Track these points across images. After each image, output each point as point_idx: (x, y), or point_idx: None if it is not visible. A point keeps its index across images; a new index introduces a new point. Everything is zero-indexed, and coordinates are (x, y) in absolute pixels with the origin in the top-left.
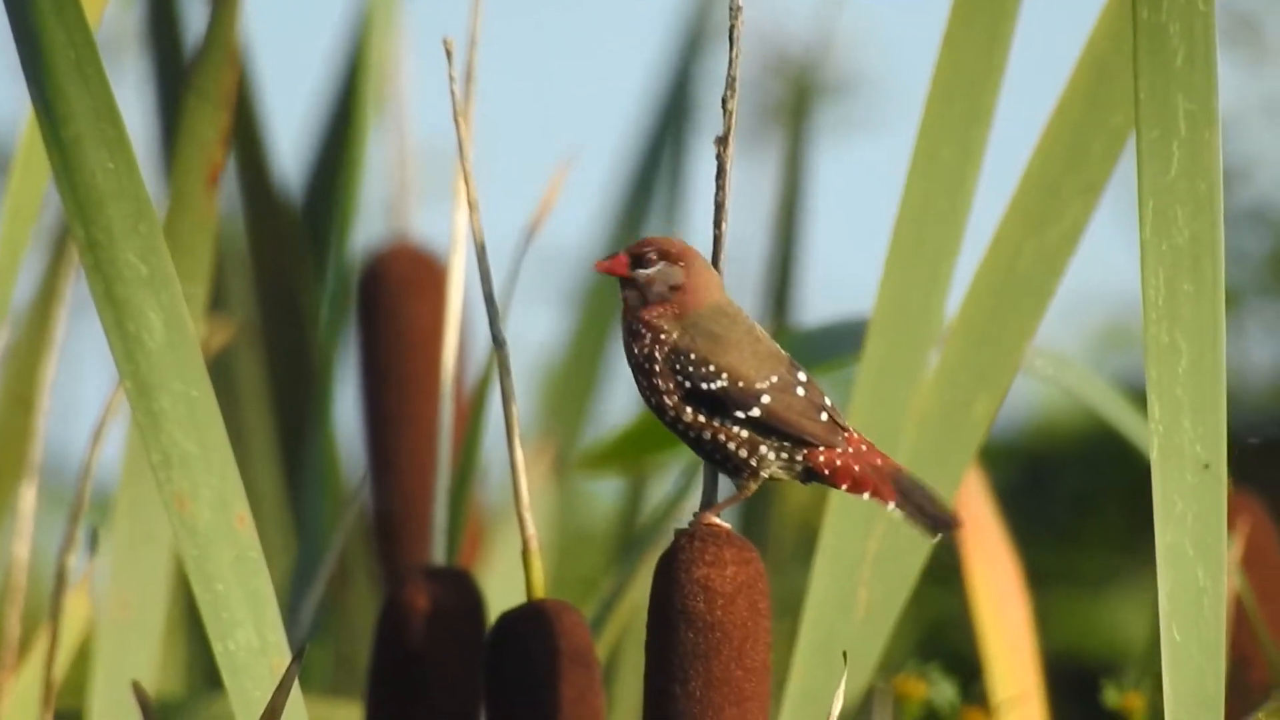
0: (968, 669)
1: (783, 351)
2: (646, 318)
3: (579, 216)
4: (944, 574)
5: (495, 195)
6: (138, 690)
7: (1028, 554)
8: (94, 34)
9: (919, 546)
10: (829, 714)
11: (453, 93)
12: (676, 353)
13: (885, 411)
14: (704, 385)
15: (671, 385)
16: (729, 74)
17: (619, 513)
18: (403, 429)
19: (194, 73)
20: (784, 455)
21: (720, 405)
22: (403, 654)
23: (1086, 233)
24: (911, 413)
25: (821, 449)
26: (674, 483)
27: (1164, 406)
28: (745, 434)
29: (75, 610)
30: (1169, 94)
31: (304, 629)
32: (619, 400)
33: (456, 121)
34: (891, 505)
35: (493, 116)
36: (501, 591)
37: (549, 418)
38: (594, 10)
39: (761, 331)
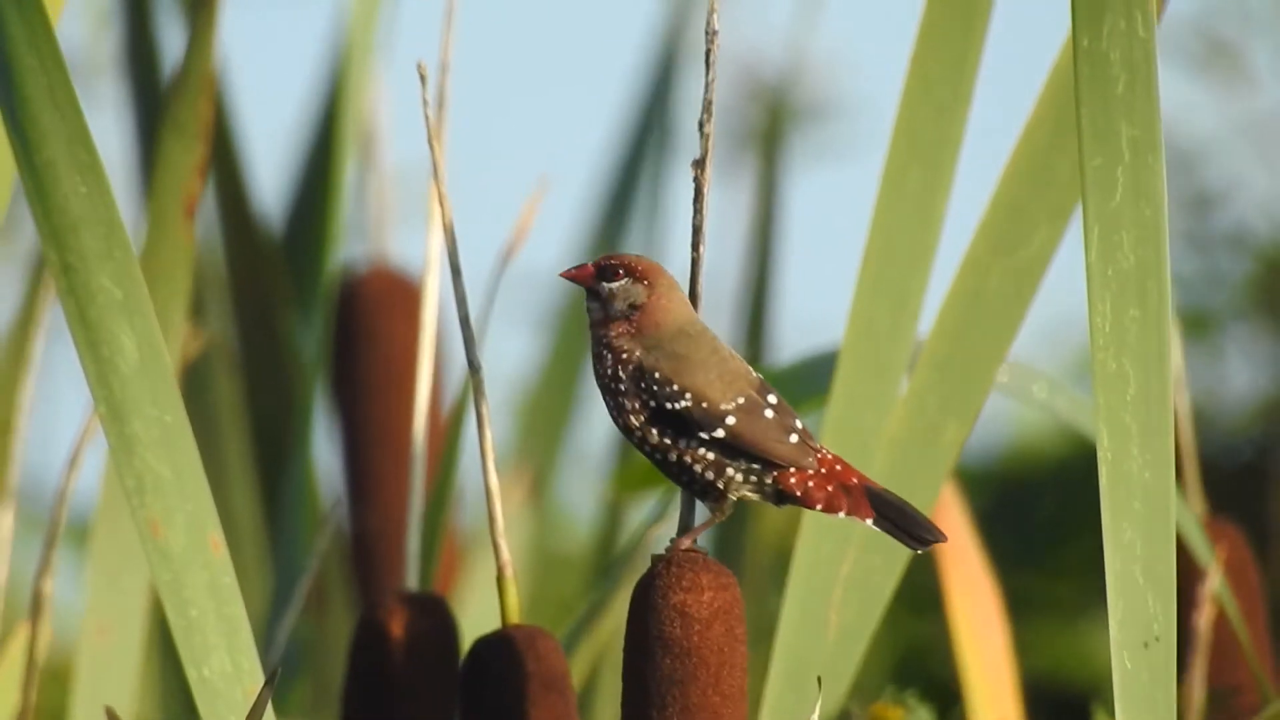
0: (946, 695)
1: (753, 372)
2: (608, 337)
3: (555, 240)
4: (922, 599)
5: (472, 219)
6: (111, 717)
7: (1006, 579)
8: (64, 59)
9: (892, 570)
10: None
11: (426, 116)
12: (641, 372)
13: (856, 436)
14: (668, 405)
15: (637, 405)
16: (705, 97)
17: (596, 537)
18: (379, 452)
19: (170, 103)
20: (753, 477)
21: (685, 426)
22: (376, 679)
23: (1061, 258)
24: (882, 437)
25: (792, 470)
26: (651, 508)
27: (1112, 434)
28: (711, 456)
29: (42, 632)
30: (1111, 120)
31: (280, 653)
32: (595, 424)
33: (430, 144)
34: (869, 522)
35: (470, 141)
36: (477, 616)
37: (525, 441)
38: (569, 34)
39: (729, 351)
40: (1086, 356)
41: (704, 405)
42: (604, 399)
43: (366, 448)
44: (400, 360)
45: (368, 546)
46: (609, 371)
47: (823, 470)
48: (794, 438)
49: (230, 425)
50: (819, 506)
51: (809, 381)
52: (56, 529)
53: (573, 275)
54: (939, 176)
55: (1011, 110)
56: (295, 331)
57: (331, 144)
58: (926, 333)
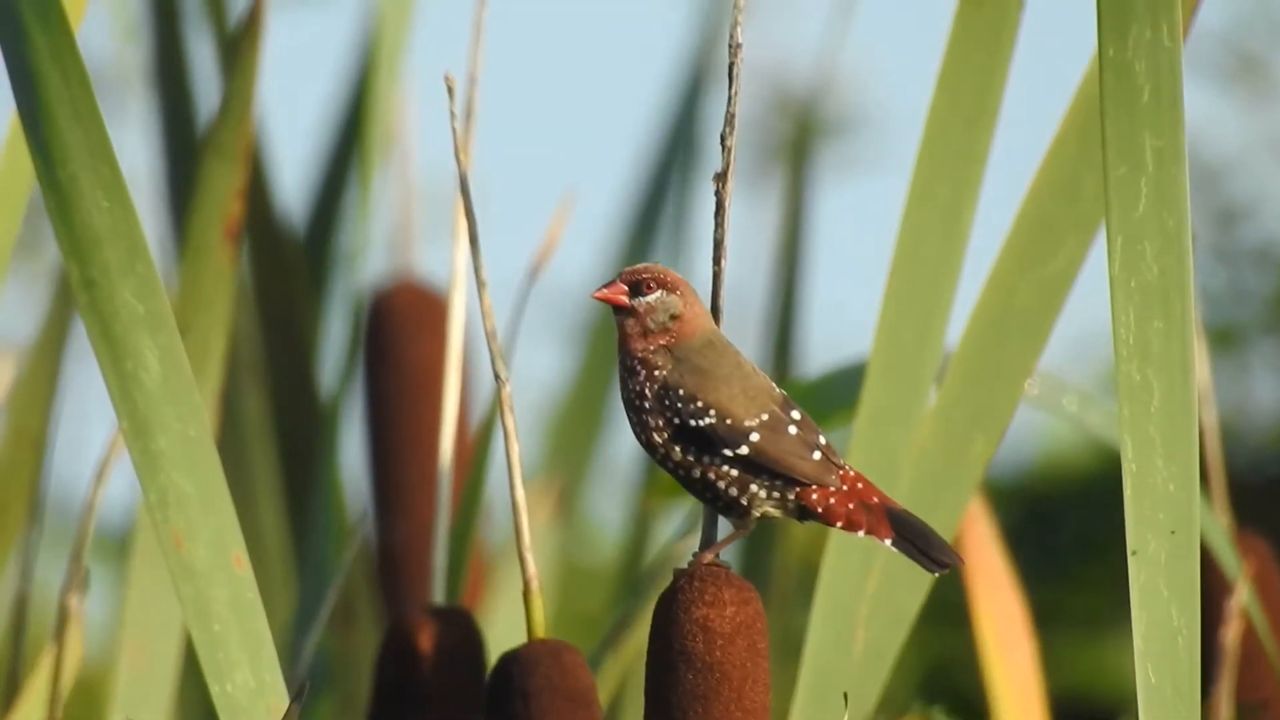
0: (973, 710)
1: (775, 388)
2: (642, 353)
3: (582, 254)
4: (949, 615)
5: (499, 233)
6: None
7: (1034, 594)
8: (88, 73)
9: (918, 586)
10: None
11: (454, 129)
12: (666, 389)
13: (884, 450)
14: (692, 422)
15: (660, 422)
16: (728, 111)
17: (623, 551)
18: (406, 467)
19: (212, 127)
20: (775, 494)
21: (709, 443)
22: (403, 693)
23: (1090, 272)
24: (910, 451)
25: (814, 487)
26: (678, 522)
27: (1136, 445)
28: (735, 472)
29: (69, 649)
30: (1136, 131)
31: (306, 667)
32: (624, 438)
33: (457, 158)
34: (888, 543)
35: (496, 154)
36: (504, 631)
37: (553, 455)
38: (596, 47)
39: (751, 366)
40: (1112, 368)
41: (728, 422)
42: (627, 414)
43: (394, 462)
44: (427, 374)
45: (394, 560)
46: (638, 389)
47: (845, 488)
48: (817, 454)
49: (258, 439)
50: (840, 524)
51: (836, 395)
52: (83, 544)
53: (606, 297)
54: (966, 190)
55: (1038, 123)
56: (322, 345)
57: (359, 157)
58: (954, 346)
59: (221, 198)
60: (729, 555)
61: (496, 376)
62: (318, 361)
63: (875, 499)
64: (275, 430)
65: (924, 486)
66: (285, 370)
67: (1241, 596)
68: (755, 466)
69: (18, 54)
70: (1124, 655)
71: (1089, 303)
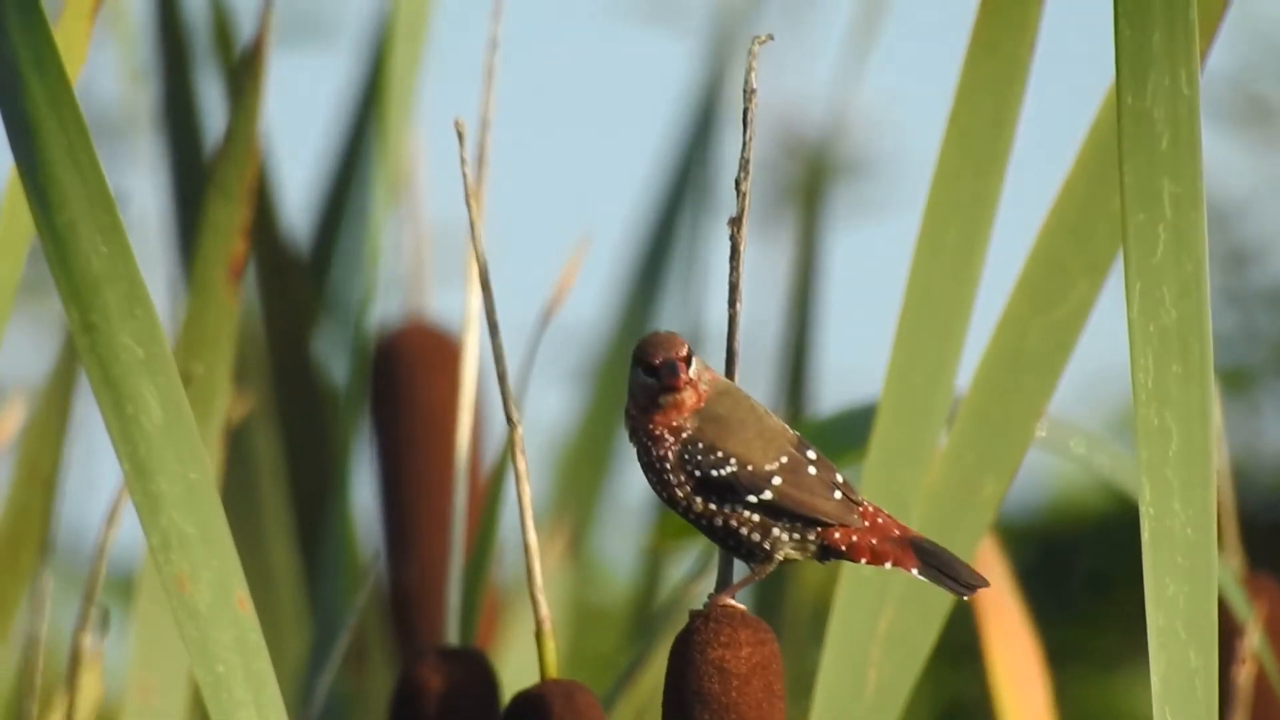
0: None
1: (789, 429)
2: (676, 421)
3: (593, 296)
4: (962, 654)
5: (511, 275)
6: None
7: (1046, 634)
8: (84, 118)
9: (931, 624)
10: None
11: (464, 174)
12: (686, 444)
13: (894, 491)
14: (714, 473)
15: (683, 477)
16: (742, 155)
17: (635, 591)
18: (419, 508)
19: (215, 165)
20: (797, 536)
21: (730, 491)
22: None
23: (1101, 314)
24: (921, 492)
25: (837, 527)
26: (691, 562)
27: (1154, 489)
28: (757, 518)
29: (88, 690)
30: (1154, 177)
31: (319, 708)
32: (634, 479)
33: (468, 202)
34: (915, 571)
35: (508, 197)
36: (517, 671)
37: (564, 496)
38: (608, 91)
39: (764, 409)
40: (1126, 412)
41: (749, 468)
42: (646, 476)
43: (406, 503)
44: (439, 416)
45: (407, 601)
46: (662, 453)
47: (866, 524)
48: (837, 494)
49: (269, 480)
50: (864, 559)
51: (847, 434)
52: (95, 584)
53: (682, 383)
54: (977, 232)
55: (1050, 165)
56: (333, 387)
57: (369, 198)
58: (965, 387)
59: (225, 236)
60: (742, 596)
61: (509, 419)
62: (329, 403)
63: (897, 531)
64: (287, 470)
65: (935, 527)
66: (297, 411)
67: (1254, 638)
68: (777, 510)
69: (14, 101)
70: (1137, 695)
71: (1100, 345)
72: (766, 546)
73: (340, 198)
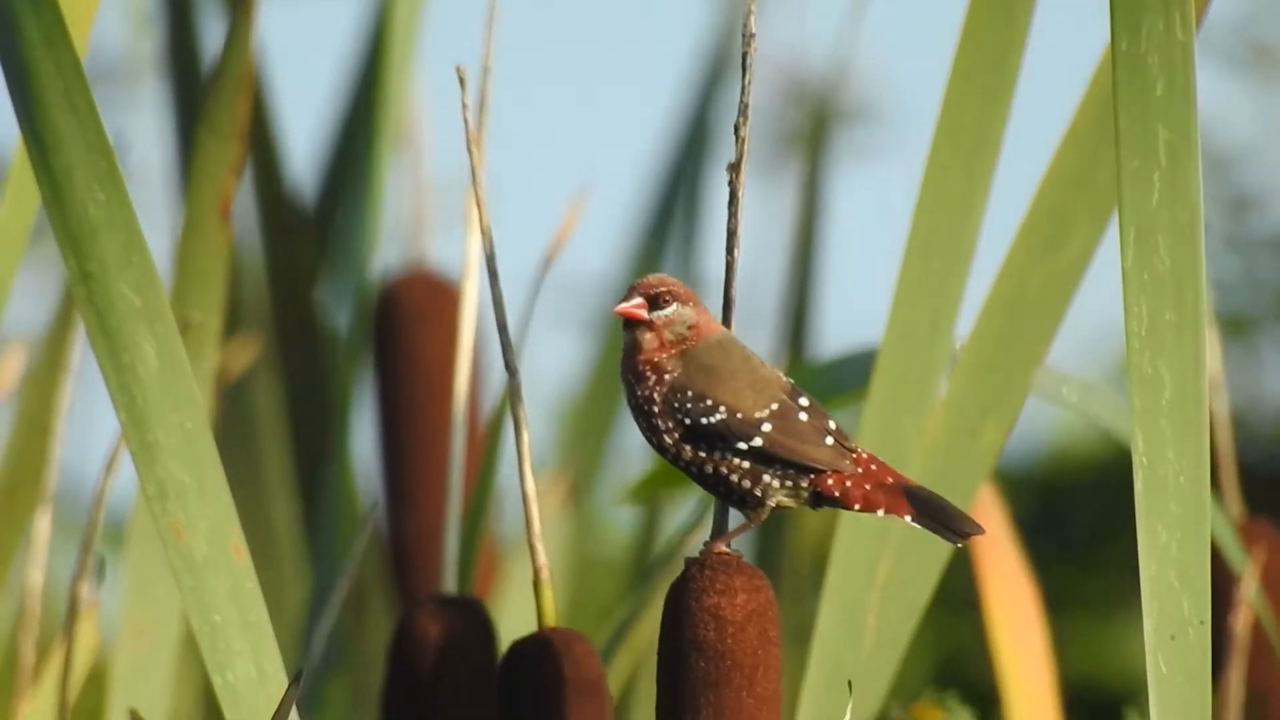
0: (987, 697)
1: (782, 376)
2: (656, 359)
3: (597, 244)
4: (961, 602)
5: (513, 224)
6: None
7: (1045, 582)
8: (82, 64)
9: (929, 573)
10: None
11: (465, 121)
12: (674, 391)
13: (894, 438)
14: (703, 420)
15: (671, 424)
16: (741, 101)
17: (634, 540)
18: (418, 457)
19: (207, 104)
20: (789, 483)
21: (720, 438)
22: (414, 683)
23: (1103, 263)
24: (921, 440)
25: (829, 473)
26: (689, 511)
27: (1148, 438)
28: (747, 465)
29: (84, 638)
30: (1148, 124)
31: (318, 656)
32: (636, 429)
33: (469, 149)
34: (908, 519)
35: (510, 145)
36: (515, 621)
37: (567, 446)
38: (612, 38)
39: (758, 359)
40: (1123, 361)
41: (739, 416)
42: (636, 420)
43: (405, 452)
44: (439, 365)
45: (406, 550)
46: (647, 393)
47: (859, 470)
48: (829, 440)
49: (269, 429)
50: (857, 506)
51: (845, 378)
52: (94, 533)
53: (627, 312)
54: (979, 179)
55: (1052, 113)
56: (334, 336)
57: (371, 147)
58: (966, 335)
59: (217, 176)
60: (739, 544)
61: (508, 367)
62: (330, 351)
63: (890, 478)
64: (288, 419)
65: (935, 475)
66: (298, 359)
67: (1250, 585)
68: (768, 457)
69: (11, 46)
70: (1135, 642)
71: (1100, 295)
72: (758, 494)
73: (343, 146)
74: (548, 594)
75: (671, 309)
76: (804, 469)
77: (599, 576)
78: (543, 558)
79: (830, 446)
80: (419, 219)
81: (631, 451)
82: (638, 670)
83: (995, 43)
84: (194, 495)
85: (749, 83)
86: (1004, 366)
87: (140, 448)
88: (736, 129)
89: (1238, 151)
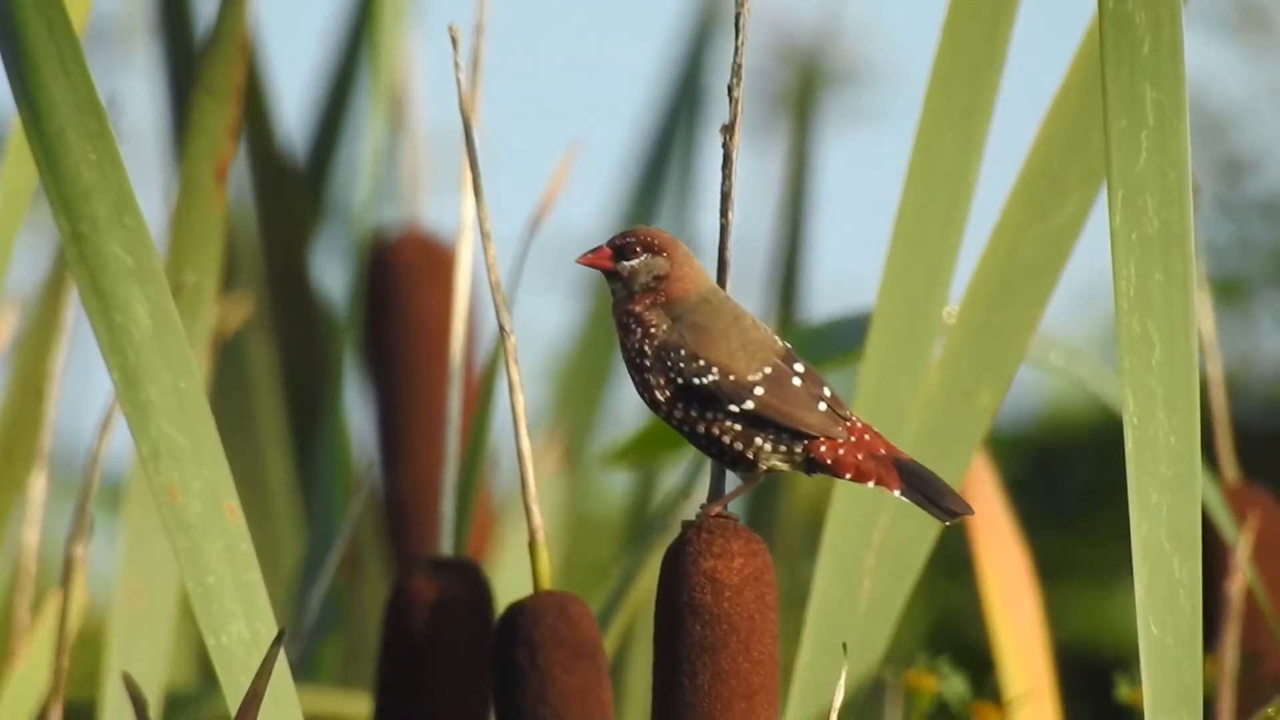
0: (979, 662)
1: (776, 340)
2: (635, 310)
3: (591, 205)
4: (957, 566)
5: (508, 184)
6: (129, 683)
7: (1038, 546)
8: (75, 25)
9: (925, 536)
10: (832, 706)
11: (458, 80)
12: (665, 348)
13: (889, 402)
14: (695, 380)
15: (663, 380)
16: (735, 62)
17: (630, 501)
18: (413, 417)
19: (203, 65)
20: (782, 448)
21: (713, 399)
22: (410, 644)
23: (1095, 225)
24: (915, 404)
25: (822, 440)
26: (684, 471)
27: (1138, 398)
28: (739, 427)
29: (75, 596)
30: (1136, 84)
31: (313, 616)
32: (630, 390)
33: (462, 109)
34: (897, 492)
35: (505, 106)
36: (511, 582)
37: (561, 407)
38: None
39: (751, 320)
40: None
41: (731, 378)
42: (630, 374)
43: (400, 412)
44: (433, 325)
45: (401, 511)
46: (636, 346)
47: (852, 439)
48: (822, 406)
49: (264, 389)
50: (849, 475)
51: (839, 339)
52: (89, 493)
53: (590, 261)
54: (972, 141)
55: (1045, 75)
56: (328, 296)
57: (365, 107)
58: (959, 298)
59: (213, 138)
60: (736, 507)
61: (501, 328)
62: (324, 311)
63: (883, 450)
64: (283, 379)
65: (929, 438)
66: (293, 320)
67: (1245, 549)
68: (760, 421)
69: (2, 7)
70: (1128, 605)
71: (1094, 256)
72: (750, 456)
73: (336, 106)
74: (543, 556)
75: (638, 259)
76: (797, 434)
77: (594, 537)
78: (538, 519)
79: (823, 413)
80: (413, 178)
81: (625, 412)
82: (632, 630)
83: (987, 4)
84: (188, 456)
85: (742, 44)
86: (998, 329)
87: (134, 408)
88: (730, 90)
89: (1230, 114)
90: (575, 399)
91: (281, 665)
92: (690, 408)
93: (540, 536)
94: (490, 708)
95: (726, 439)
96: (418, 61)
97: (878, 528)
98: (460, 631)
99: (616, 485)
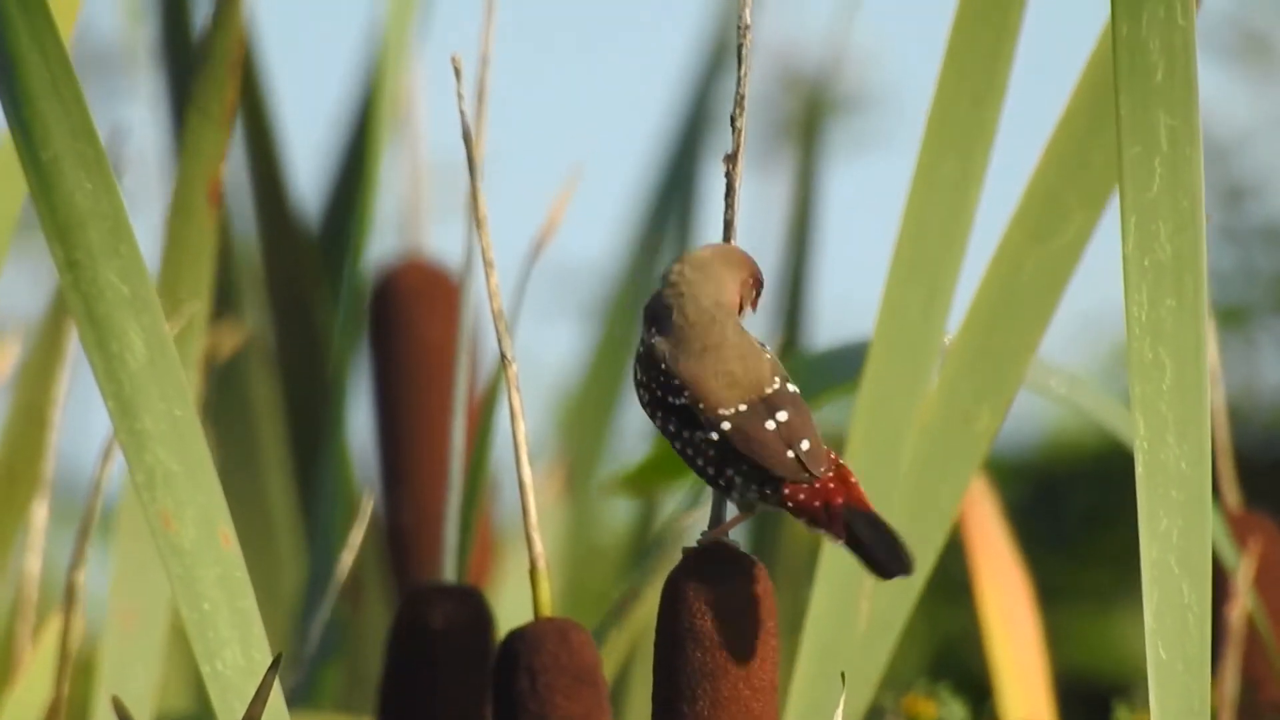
0: (979, 688)
1: (773, 373)
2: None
3: (596, 234)
4: (954, 591)
5: (513, 213)
6: (118, 707)
7: (1038, 571)
8: (69, 52)
9: (923, 560)
10: None
11: (461, 111)
12: (652, 358)
13: (887, 426)
14: (670, 399)
15: (647, 382)
16: (738, 92)
17: (633, 529)
18: (415, 444)
19: (196, 88)
20: (754, 484)
21: (690, 419)
22: (411, 669)
23: (1096, 251)
24: (914, 427)
25: (787, 483)
26: (682, 498)
27: (1149, 423)
28: (712, 453)
29: (75, 623)
30: (1149, 109)
31: (315, 643)
32: (634, 418)
33: (466, 141)
34: (840, 544)
35: (510, 131)
36: (512, 609)
37: (565, 435)
38: (610, 28)
39: (749, 347)
40: (1120, 348)
41: (700, 406)
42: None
43: (402, 439)
44: (436, 352)
45: (403, 537)
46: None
47: (816, 486)
48: (791, 454)
49: (265, 415)
50: (803, 520)
51: (839, 369)
52: (90, 520)
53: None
54: (973, 165)
55: (1046, 99)
56: (331, 323)
57: (368, 134)
58: (959, 322)
59: (205, 159)
60: (738, 533)
61: (502, 355)
62: (327, 338)
63: (840, 500)
64: (284, 406)
65: (928, 463)
66: (294, 346)
67: (1246, 575)
68: (732, 451)
69: None
70: (1129, 631)
71: (1094, 280)
72: (721, 484)
73: (342, 134)
74: (544, 583)
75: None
76: (765, 473)
77: (596, 564)
78: (540, 547)
79: (790, 459)
80: (415, 206)
81: (630, 440)
82: (633, 658)
83: (989, 29)
84: (183, 483)
85: (745, 74)
86: (998, 353)
87: (129, 436)
88: (733, 120)
89: (1234, 142)
90: (580, 427)
91: (276, 693)
92: (668, 422)
93: (541, 564)
94: None
95: (700, 461)
96: (421, 89)
97: None
98: (462, 658)
99: (619, 513)
